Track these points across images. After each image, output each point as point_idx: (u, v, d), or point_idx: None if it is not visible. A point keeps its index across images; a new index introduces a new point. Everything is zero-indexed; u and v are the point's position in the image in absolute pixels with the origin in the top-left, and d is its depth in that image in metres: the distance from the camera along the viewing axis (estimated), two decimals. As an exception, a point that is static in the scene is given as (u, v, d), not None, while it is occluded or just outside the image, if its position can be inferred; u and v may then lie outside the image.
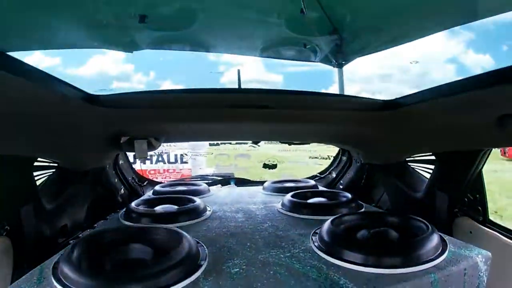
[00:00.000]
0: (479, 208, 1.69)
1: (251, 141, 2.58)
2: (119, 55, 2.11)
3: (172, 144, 6.20)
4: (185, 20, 1.65)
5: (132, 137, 1.72)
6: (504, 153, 10.78)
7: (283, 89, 1.64)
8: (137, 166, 2.83)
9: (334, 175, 2.91)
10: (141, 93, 1.57)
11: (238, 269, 1.19)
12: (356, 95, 1.71)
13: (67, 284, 1.03)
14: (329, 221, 1.45)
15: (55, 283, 1.05)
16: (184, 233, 1.32)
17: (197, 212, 1.80)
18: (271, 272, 1.17)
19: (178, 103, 1.53)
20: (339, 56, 2.37)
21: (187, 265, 1.13)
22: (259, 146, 2.70)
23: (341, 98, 1.87)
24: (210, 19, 1.68)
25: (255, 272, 1.17)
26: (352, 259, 1.20)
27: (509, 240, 1.51)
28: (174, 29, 1.72)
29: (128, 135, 1.71)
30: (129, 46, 1.98)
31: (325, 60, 2.40)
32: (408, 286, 1.07)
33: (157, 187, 2.50)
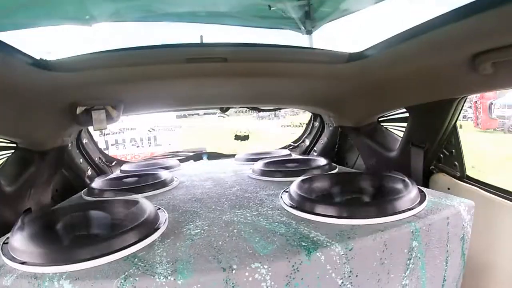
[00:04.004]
0: (456, 163, 1.65)
1: (218, 110, 2.49)
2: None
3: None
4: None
5: (89, 106, 1.62)
6: (477, 124, 11.06)
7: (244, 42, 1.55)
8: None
9: (307, 142, 2.85)
10: (94, 54, 1.46)
11: (199, 230, 1.11)
12: (321, 48, 1.64)
13: (16, 257, 0.95)
14: (300, 178, 1.39)
15: (3, 258, 0.97)
16: (142, 199, 1.25)
17: (162, 183, 1.72)
18: (235, 230, 1.10)
19: (135, 61, 1.44)
20: (308, 22, 2.34)
21: (142, 229, 1.05)
22: (228, 116, 2.61)
23: (304, 50, 1.79)
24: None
25: (217, 232, 1.10)
26: (324, 212, 1.14)
27: (489, 194, 1.47)
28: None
29: (83, 104, 1.61)
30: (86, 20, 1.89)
31: (294, 27, 2.35)
32: (387, 236, 1.02)
33: (124, 166, 2.41)
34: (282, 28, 2.36)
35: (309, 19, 2.31)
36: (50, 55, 1.40)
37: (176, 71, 1.55)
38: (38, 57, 1.31)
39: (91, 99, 1.62)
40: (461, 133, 1.64)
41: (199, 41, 1.59)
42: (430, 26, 1.20)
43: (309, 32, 2.35)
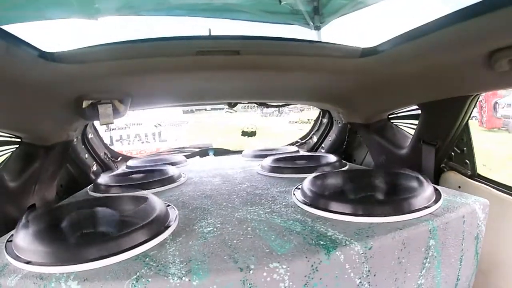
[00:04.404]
0: (467, 161, 1.63)
1: (226, 105, 2.46)
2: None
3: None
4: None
5: (95, 100, 1.59)
6: (482, 123, 11.04)
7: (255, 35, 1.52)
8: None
9: (315, 139, 2.83)
10: (102, 46, 1.42)
11: (211, 228, 1.09)
12: (334, 43, 1.61)
13: (20, 256, 0.92)
14: (312, 175, 1.37)
15: (7, 256, 0.94)
16: (151, 195, 1.22)
17: (170, 179, 1.70)
18: (249, 228, 1.08)
19: (143, 53, 1.40)
20: (316, 18, 2.31)
21: (152, 227, 1.02)
22: (236, 111, 2.59)
23: (318, 44, 1.76)
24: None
25: (231, 230, 1.07)
26: (340, 210, 1.12)
27: (500, 193, 1.45)
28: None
29: (90, 98, 1.58)
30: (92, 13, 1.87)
31: (303, 22, 2.33)
32: (405, 234, 1.00)
33: (130, 161, 2.39)
34: (291, 24, 2.34)
35: (317, 14, 2.29)
36: (59, 47, 1.37)
37: (185, 64, 1.52)
38: (45, 49, 1.28)
39: (97, 92, 1.59)
40: None
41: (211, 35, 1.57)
42: (446, 22, 1.17)
43: (317, 28, 2.32)
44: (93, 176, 2.15)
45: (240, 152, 2.60)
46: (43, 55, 1.26)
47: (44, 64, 1.26)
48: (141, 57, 1.42)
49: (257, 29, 2.26)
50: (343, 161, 1.93)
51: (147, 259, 0.90)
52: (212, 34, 1.53)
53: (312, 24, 2.32)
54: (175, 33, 1.47)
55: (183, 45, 1.43)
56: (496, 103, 10.97)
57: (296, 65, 1.61)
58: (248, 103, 2.56)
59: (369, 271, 0.95)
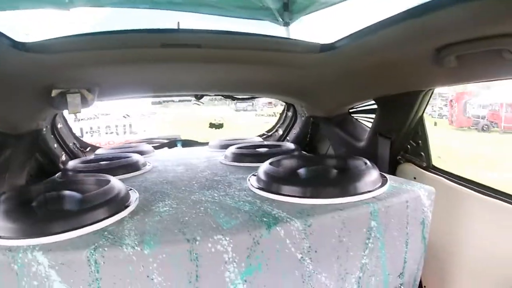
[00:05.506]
0: (422, 154, 1.72)
1: (193, 97, 2.50)
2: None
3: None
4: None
5: (64, 90, 1.62)
6: (452, 122, 11.38)
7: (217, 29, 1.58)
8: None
9: (280, 132, 2.90)
10: (72, 36, 1.46)
11: (167, 208, 1.15)
12: (295, 38, 1.68)
13: None
14: (267, 162, 1.43)
15: None
16: (113, 178, 1.27)
17: (135, 166, 1.74)
18: (202, 208, 1.14)
19: (110, 44, 1.45)
20: (286, 14, 2.36)
21: (112, 205, 1.09)
22: (203, 103, 2.63)
23: (278, 39, 1.82)
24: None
25: (185, 209, 1.14)
26: (287, 193, 1.19)
27: (453, 183, 1.54)
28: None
29: (59, 87, 1.61)
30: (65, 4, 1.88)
31: (272, 18, 2.38)
32: (345, 214, 1.07)
33: (99, 151, 2.40)
34: (260, 19, 2.38)
35: (287, 10, 2.34)
36: (29, 37, 1.40)
37: (151, 56, 1.57)
38: (16, 39, 1.31)
39: (67, 81, 1.62)
40: (435, 129, 1.70)
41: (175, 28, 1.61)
42: (396, 20, 1.25)
43: (286, 24, 2.37)
44: (61, 166, 2.16)
45: (207, 143, 2.63)
46: (16, 45, 1.29)
47: (17, 54, 1.29)
48: (108, 48, 1.47)
49: (227, 23, 2.30)
50: (303, 152, 2.00)
51: (106, 233, 0.96)
52: (181, 27, 1.58)
53: (281, 20, 2.37)
54: (144, 25, 1.51)
55: (148, 38, 1.48)
56: (466, 102, 11.32)
57: (257, 59, 1.68)
58: (215, 95, 2.60)
59: (310, 247, 1.02)
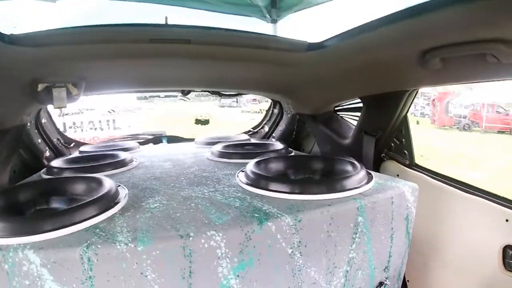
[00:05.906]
0: (405, 152, 1.77)
1: (180, 92, 2.48)
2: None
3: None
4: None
5: (50, 84, 1.59)
6: (434, 121, 11.64)
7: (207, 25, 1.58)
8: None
9: (266, 129, 2.92)
10: (58, 30, 1.44)
11: (158, 204, 1.15)
12: (283, 36, 1.70)
13: None
14: (255, 159, 1.45)
15: None
16: (102, 176, 1.27)
17: (121, 163, 1.72)
18: (192, 204, 1.15)
19: (98, 38, 1.44)
20: (273, 12, 2.38)
21: (102, 202, 1.08)
22: (189, 99, 2.61)
23: (266, 37, 1.83)
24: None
25: (175, 205, 1.14)
26: (277, 189, 1.21)
27: (435, 181, 1.59)
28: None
29: (45, 81, 1.58)
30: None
31: (260, 15, 2.39)
32: (333, 210, 1.10)
33: (83, 147, 2.36)
34: (249, 16, 2.39)
35: (275, 8, 2.36)
36: (16, 29, 1.37)
37: (139, 51, 1.56)
38: (3, 31, 1.28)
39: (52, 75, 1.59)
40: (417, 128, 1.75)
41: (163, 23, 1.61)
42: (383, 21, 1.28)
43: (274, 21, 2.39)
44: (45, 162, 2.12)
45: (193, 139, 2.62)
46: (1, 37, 1.26)
47: (2, 47, 1.27)
48: (95, 42, 1.45)
49: (216, 19, 2.30)
50: (290, 149, 2.02)
51: (97, 230, 0.95)
52: (169, 22, 1.57)
53: (268, 17, 2.38)
54: (131, 19, 1.50)
55: (136, 33, 1.47)
56: (448, 102, 11.59)
57: (245, 56, 1.69)
58: (201, 91, 2.59)
59: (300, 242, 1.05)
